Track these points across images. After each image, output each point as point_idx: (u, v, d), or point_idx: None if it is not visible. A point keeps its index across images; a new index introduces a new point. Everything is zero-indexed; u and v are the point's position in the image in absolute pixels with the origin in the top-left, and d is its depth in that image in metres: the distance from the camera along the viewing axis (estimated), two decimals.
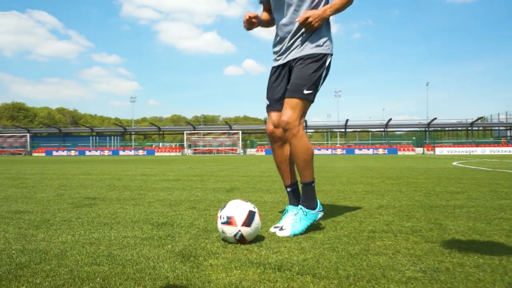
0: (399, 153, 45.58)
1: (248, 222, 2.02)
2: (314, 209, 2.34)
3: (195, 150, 51.33)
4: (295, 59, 2.39)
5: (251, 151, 50.88)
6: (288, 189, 2.56)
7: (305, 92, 2.31)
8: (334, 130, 59.61)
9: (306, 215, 2.29)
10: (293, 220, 2.25)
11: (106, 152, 51.72)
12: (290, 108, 2.30)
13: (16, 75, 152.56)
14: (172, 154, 49.54)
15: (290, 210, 2.40)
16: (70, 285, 1.44)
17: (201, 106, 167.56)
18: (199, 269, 1.59)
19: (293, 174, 2.56)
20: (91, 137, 57.75)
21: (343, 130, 55.68)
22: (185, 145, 51.52)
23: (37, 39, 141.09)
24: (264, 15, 2.68)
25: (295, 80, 2.34)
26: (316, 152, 47.18)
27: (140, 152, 51.41)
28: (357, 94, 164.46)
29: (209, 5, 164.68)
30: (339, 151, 47.78)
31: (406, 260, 1.71)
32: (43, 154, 50.59)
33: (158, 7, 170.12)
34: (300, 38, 2.38)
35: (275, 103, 2.50)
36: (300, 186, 2.46)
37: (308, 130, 52.64)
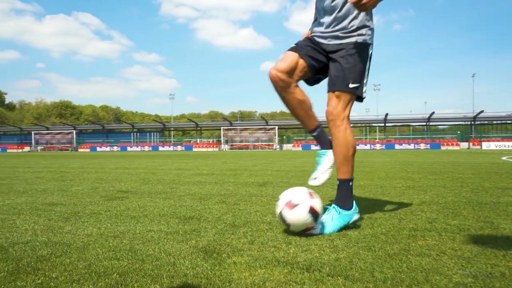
0: (442, 148, 43.62)
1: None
2: (349, 209, 2.13)
3: (232, 145, 51.70)
4: (336, 45, 2.21)
5: (287, 147, 50.56)
6: (314, 134, 2.34)
7: (351, 85, 2.16)
8: (373, 124, 57.97)
9: (339, 214, 2.10)
10: (325, 220, 2.08)
11: (146, 148, 53.20)
12: (335, 97, 2.17)
13: (63, 75, 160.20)
14: (210, 149, 50.20)
15: (322, 155, 2.28)
16: (86, 280, 1.37)
17: (238, 102, 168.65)
18: (221, 267, 1.48)
19: (313, 117, 2.31)
20: (132, 133, 59.61)
21: (382, 124, 54.07)
22: (222, 141, 52.02)
23: (82, 40, 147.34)
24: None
25: (339, 73, 2.17)
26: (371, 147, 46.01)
27: (179, 147, 52.49)
28: (397, 87, 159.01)
29: (245, 1, 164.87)
30: (378, 146, 46.45)
31: (452, 263, 1.51)
32: (88, 150, 52.86)
33: (195, 5, 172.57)
34: (342, 24, 2.19)
35: (301, 49, 2.25)
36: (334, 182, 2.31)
37: None
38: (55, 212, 2.73)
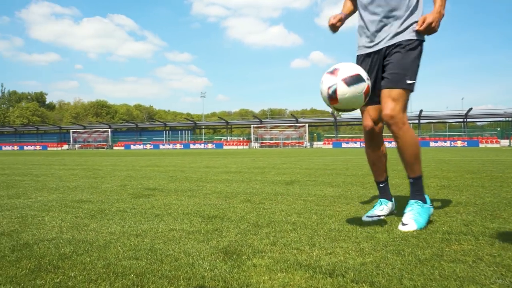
0: (481, 145, 41.77)
1: (350, 81, 1.94)
2: (426, 203, 2.19)
3: (262, 143, 51.73)
4: (392, 45, 2.21)
5: (318, 144, 50.03)
6: (381, 185, 2.48)
7: (408, 82, 2.15)
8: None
9: (422, 207, 2.13)
10: (413, 215, 2.08)
11: (178, 146, 54.14)
12: (392, 100, 2.15)
13: (99, 75, 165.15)
14: (240, 147, 50.46)
15: (384, 204, 2.39)
16: (103, 280, 1.36)
17: (268, 99, 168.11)
18: (240, 269, 1.43)
19: (386, 170, 2.50)
20: (164, 132, 60.78)
21: (416, 121, 52.42)
22: (252, 139, 52.14)
23: (117, 41, 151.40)
24: (347, 6, 2.52)
25: (396, 70, 2.16)
26: (387, 145, 44.81)
27: (209, 145, 53.07)
28: (433, 83, 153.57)
29: None
30: None
31: (491, 271, 1.39)
32: (123, 148, 54.44)
33: (226, 4, 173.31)
34: (396, 22, 2.20)
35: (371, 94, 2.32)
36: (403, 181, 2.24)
37: None
38: (83, 209, 2.77)
